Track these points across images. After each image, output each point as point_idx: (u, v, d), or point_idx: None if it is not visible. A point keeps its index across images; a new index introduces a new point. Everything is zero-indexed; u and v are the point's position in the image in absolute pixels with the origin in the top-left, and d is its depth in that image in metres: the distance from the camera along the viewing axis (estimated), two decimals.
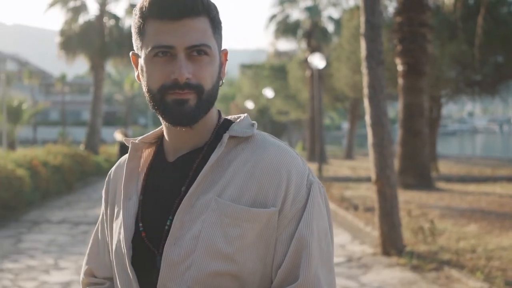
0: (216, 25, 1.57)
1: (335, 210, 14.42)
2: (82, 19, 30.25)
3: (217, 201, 1.51)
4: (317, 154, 23.51)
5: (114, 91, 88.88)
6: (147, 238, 1.57)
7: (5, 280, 8.03)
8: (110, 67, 43.07)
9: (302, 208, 1.52)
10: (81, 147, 29.89)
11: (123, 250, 1.60)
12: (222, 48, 1.62)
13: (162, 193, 1.59)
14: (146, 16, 1.53)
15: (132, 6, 31.16)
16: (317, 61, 22.83)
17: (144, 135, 1.71)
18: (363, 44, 9.40)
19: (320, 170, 22.35)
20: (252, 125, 1.64)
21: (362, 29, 9.40)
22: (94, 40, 29.37)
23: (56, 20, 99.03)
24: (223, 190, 1.53)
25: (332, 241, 1.60)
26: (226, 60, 1.64)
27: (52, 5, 30.07)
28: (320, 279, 1.50)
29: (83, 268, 1.87)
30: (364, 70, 9.36)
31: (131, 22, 1.62)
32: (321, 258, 1.52)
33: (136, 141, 1.69)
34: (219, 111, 1.68)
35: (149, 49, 1.53)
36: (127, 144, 1.72)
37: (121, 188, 1.68)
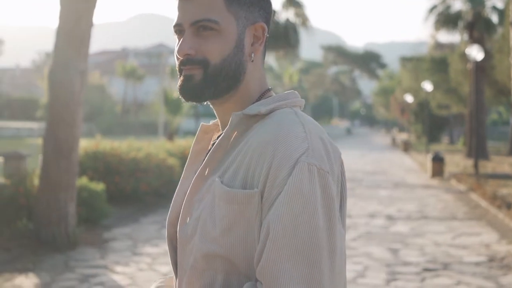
0: None
1: (487, 208, 13.77)
2: None
3: (215, 182, 1.48)
4: (474, 150, 22.53)
5: (276, 84, 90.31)
6: None
7: (142, 263, 8.35)
8: (272, 60, 43.70)
9: (282, 191, 1.37)
10: None
11: (167, 226, 1.68)
12: (258, 23, 1.57)
13: None
14: None
15: (289, 0, 31.46)
16: (475, 53, 21.87)
17: None
18: None
19: (476, 166, 21.43)
20: (279, 101, 1.54)
21: None
22: None
23: None
24: (226, 171, 1.50)
25: (327, 230, 1.37)
26: (265, 36, 1.59)
27: None
28: (282, 270, 1.33)
29: None
30: None
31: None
32: (293, 248, 1.34)
33: (209, 124, 1.71)
34: (268, 89, 1.61)
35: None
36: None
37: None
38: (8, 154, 11.00)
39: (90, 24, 9.15)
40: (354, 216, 12.85)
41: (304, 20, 31.56)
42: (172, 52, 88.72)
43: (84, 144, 13.69)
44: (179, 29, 1.55)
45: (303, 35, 32.28)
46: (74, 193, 9.25)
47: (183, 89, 1.54)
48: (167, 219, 1.67)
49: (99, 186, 10.88)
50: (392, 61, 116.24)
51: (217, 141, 1.54)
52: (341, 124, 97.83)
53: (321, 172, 1.40)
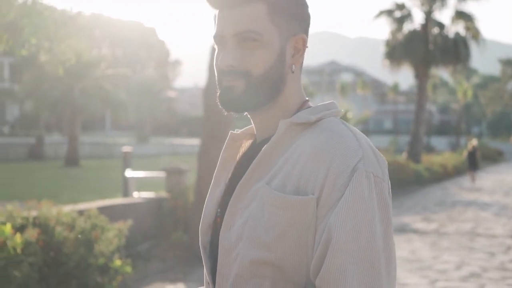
0: (278, 10, 1.55)
1: None
2: (406, 28, 30.48)
3: (264, 188, 1.50)
4: None
5: (450, 99, 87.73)
6: (220, 224, 1.60)
7: None
8: (446, 75, 42.62)
9: (341, 197, 1.42)
10: (403, 155, 30.05)
11: (200, 234, 1.69)
12: (299, 35, 1.59)
13: (239, 181, 1.60)
14: (212, 7, 1.61)
15: (459, 13, 30.55)
16: None
17: (248, 126, 1.73)
18: None
19: None
20: (324, 110, 1.57)
21: None
22: (418, 49, 29.37)
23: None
24: (273, 177, 1.51)
25: (384, 237, 1.44)
26: (305, 47, 1.60)
27: (378, 16, 30.82)
28: (347, 274, 1.38)
29: None
30: None
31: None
32: (356, 253, 1.39)
33: (238, 132, 1.72)
34: (306, 100, 1.63)
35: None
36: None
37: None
38: (170, 169, 11.55)
39: None
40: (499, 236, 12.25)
41: (475, 34, 30.46)
42: (344, 69, 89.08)
43: None
44: (220, 39, 1.56)
45: (475, 49, 31.19)
46: None
47: (224, 100, 1.56)
48: (199, 228, 1.68)
49: None
50: None
51: (263, 149, 1.54)
52: None
53: (377, 179, 1.46)
